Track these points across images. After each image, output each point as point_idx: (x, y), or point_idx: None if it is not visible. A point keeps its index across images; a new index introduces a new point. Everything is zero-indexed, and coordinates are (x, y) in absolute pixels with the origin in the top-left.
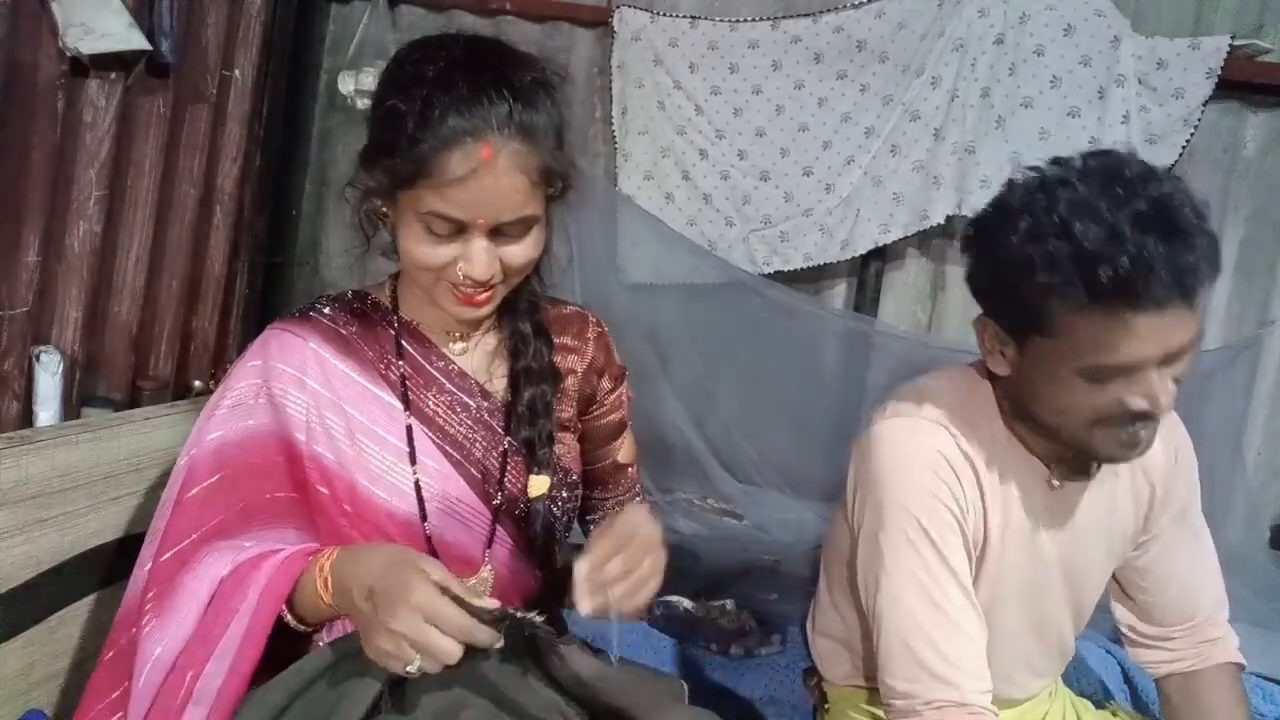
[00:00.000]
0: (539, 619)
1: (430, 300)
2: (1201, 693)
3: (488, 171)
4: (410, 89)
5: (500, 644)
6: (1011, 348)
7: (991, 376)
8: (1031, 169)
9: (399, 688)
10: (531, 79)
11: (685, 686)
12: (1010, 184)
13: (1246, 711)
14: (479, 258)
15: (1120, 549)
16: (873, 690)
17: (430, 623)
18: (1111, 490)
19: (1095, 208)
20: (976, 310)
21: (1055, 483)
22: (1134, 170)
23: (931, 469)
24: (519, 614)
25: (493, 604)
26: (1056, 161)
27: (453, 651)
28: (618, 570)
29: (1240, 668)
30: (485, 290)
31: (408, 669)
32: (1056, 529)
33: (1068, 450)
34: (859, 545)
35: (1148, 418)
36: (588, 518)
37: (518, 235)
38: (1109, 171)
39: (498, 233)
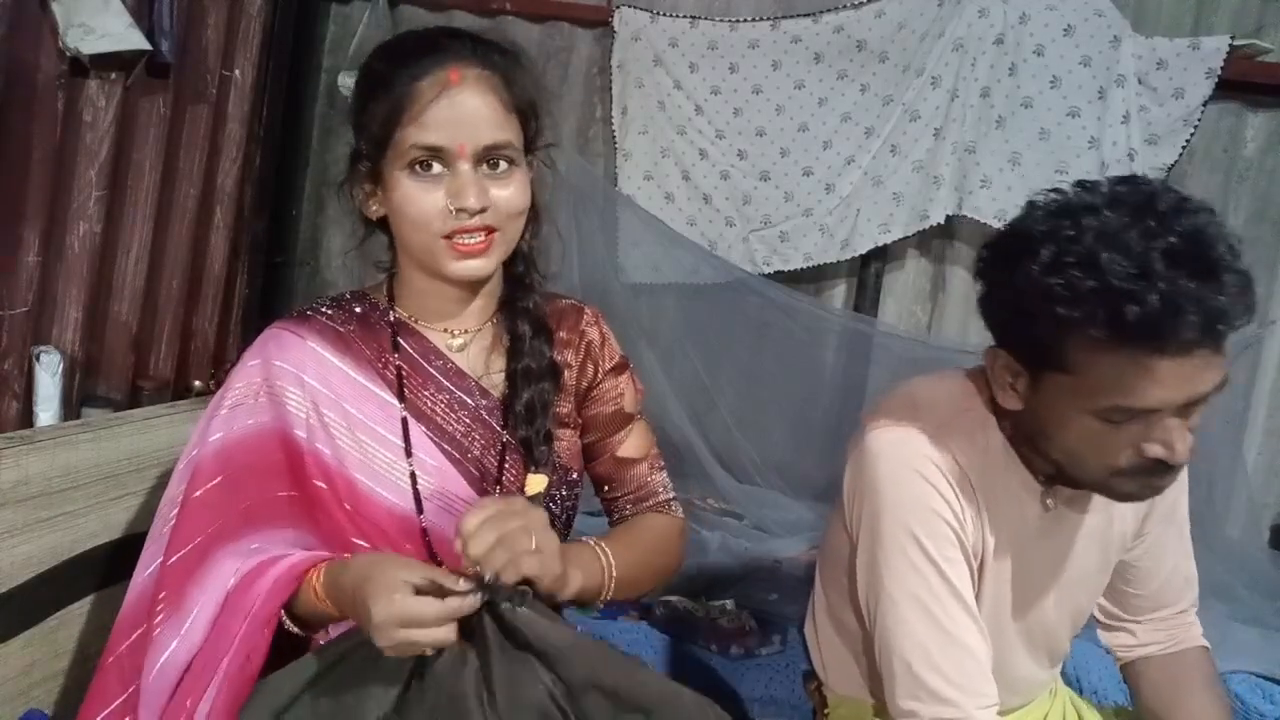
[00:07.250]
0: (509, 584)
1: (432, 272)
2: (1180, 672)
3: (457, 91)
4: (383, 54)
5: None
6: (1024, 380)
7: (992, 398)
8: (1054, 191)
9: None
10: (493, 40)
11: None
12: (1030, 206)
13: (1222, 687)
14: (467, 186)
15: (1116, 555)
16: (878, 703)
17: (406, 627)
18: (1107, 502)
19: (1125, 240)
20: (977, 310)
21: (1049, 503)
22: (1167, 201)
23: (928, 482)
24: (490, 580)
25: (466, 585)
26: (1082, 185)
27: (441, 637)
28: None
29: (1207, 650)
30: (483, 233)
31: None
32: (1051, 541)
33: (1071, 481)
34: (858, 556)
35: (1164, 466)
36: (609, 519)
37: (502, 174)
38: (1140, 200)
39: (481, 168)
